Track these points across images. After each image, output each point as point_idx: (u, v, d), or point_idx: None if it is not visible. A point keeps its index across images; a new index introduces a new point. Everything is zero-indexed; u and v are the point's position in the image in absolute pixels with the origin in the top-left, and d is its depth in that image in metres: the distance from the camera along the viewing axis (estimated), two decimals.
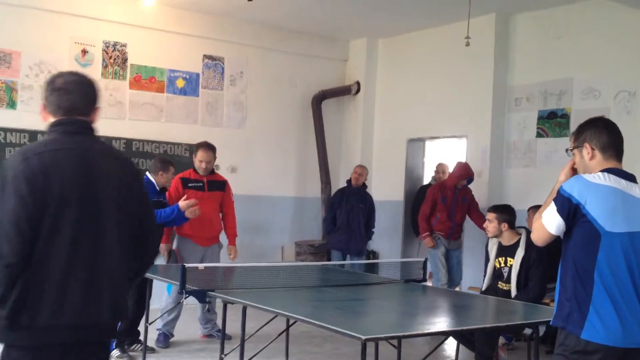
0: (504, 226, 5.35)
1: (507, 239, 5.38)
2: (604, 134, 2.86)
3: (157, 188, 5.85)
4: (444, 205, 7.44)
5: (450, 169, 8.68)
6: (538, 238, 2.90)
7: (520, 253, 5.27)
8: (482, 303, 4.67)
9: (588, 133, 2.88)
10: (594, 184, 2.76)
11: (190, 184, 6.22)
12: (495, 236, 5.43)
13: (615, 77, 6.88)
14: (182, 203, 5.63)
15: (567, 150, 3.01)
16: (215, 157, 6.36)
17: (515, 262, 5.26)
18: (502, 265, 5.40)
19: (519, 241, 5.33)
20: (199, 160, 6.25)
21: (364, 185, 8.15)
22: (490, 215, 5.44)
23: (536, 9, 7.58)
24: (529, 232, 5.36)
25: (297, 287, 4.74)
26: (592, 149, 2.86)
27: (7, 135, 7.21)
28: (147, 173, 5.92)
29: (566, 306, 2.78)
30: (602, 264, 2.72)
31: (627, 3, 6.58)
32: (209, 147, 6.30)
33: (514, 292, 5.26)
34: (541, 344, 5.00)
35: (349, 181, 8.14)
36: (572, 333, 2.74)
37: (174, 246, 6.29)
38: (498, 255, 5.43)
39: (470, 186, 7.92)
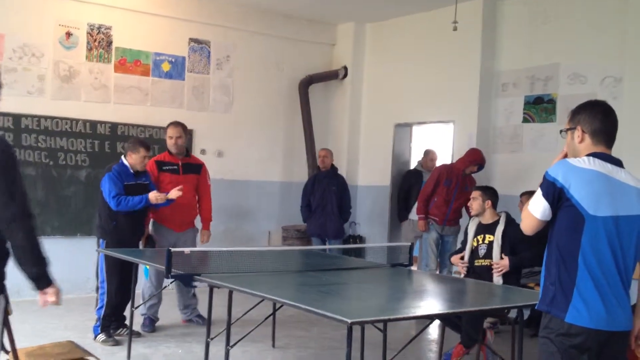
0: (488, 204, 5.50)
1: (488, 218, 5.51)
2: (598, 120, 2.83)
3: (131, 171, 5.75)
4: (445, 188, 7.25)
5: (438, 156, 8.70)
6: (526, 226, 2.88)
7: (500, 228, 5.39)
8: (468, 287, 4.69)
9: (582, 116, 2.86)
10: (578, 168, 2.75)
11: (164, 167, 6.17)
12: (477, 215, 5.53)
13: (602, 62, 6.90)
14: (152, 195, 5.61)
15: (561, 131, 3.00)
16: (186, 134, 6.31)
17: (496, 237, 5.38)
18: (480, 242, 5.48)
19: (498, 220, 5.44)
20: (169, 136, 6.22)
21: (334, 168, 8.17)
22: (475, 193, 5.59)
23: None
24: (508, 214, 5.47)
25: (283, 271, 4.74)
26: (583, 132, 2.84)
27: None
28: (122, 157, 5.84)
29: (550, 290, 2.79)
30: (586, 247, 2.73)
31: None
32: (177, 122, 6.28)
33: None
34: (526, 327, 5.05)
35: (318, 167, 8.17)
36: (556, 317, 2.75)
37: (150, 231, 6.24)
38: (477, 233, 5.52)
39: None
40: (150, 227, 6.24)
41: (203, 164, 6.51)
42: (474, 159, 7.22)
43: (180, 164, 6.22)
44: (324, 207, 7.93)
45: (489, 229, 5.47)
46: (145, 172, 5.89)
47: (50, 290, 3.05)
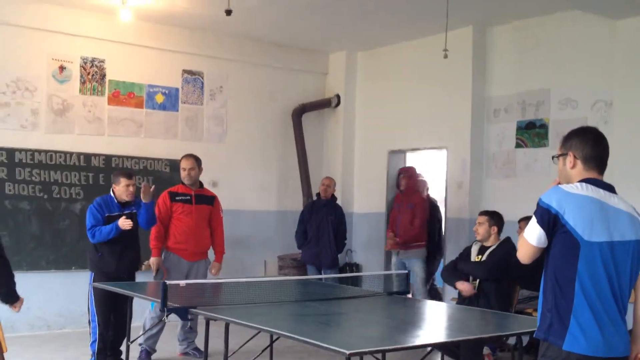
0: (494, 229, 5.52)
1: (491, 242, 5.55)
2: (589, 146, 2.86)
3: (116, 201, 5.72)
4: (397, 214, 7.67)
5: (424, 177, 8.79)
6: (523, 254, 2.86)
7: (492, 247, 5.50)
8: (465, 314, 4.67)
9: (574, 142, 2.89)
10: (572, 194, 2.76)
11: (177, 197, 6.24)
12: (483, 240, 5.54)
13: (592, 87, 6.97)
14: (120, 221, 5.53)
15: (553, 157, 3.02)
16: (199, 166, 6.35)
17: (486, 254, 5.44)
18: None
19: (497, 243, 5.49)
20: (182, 168, 6.31)
21: (333, 197, 8.17)
22: (482, 219, 5.58)
23: (513, 21, 7.66)
24: (507, 238, 5.50)
25: (280, 302, 4.71)
26: (575, 158, 2.87)
27: None
28: (112, 188, 5.80)
29: (547, 317, 2.79)
30: (583, 273, 2.72)
31: (602, 13, 6.67)
32: (190, 155, 6.39)
33: None
34: (525, 353, 5.02)
35: (318, 194, 8.17)
36: (554, 344, 2.74)
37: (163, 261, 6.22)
38: (478, 253, 5.55)
39: (452, 197, 7.97)
40: (162, 256, 6.22)
41: (216, 196, 6.55)
42: (398, 173, 7.79)
43: (193, 194, 6.26)
44: (320, 236, 7.89)
45: (487, 249, 5.52)
46: (135, 202, 5.82)
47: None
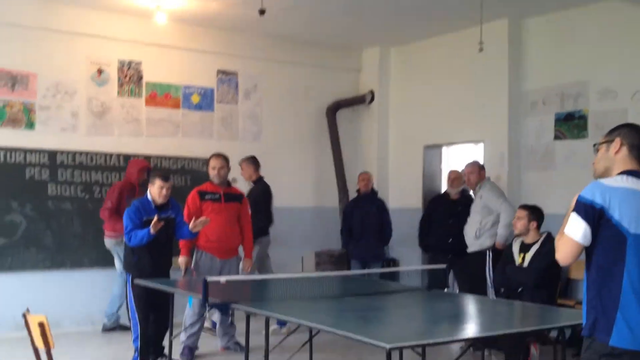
0: (533, 224, 5.42)
1: (531, 238, 5.43)
2: (638, 137, 2.86)
3: (153, 205, 5.71)
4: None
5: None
6: (565, 255, 2.78)
7: (535, 246, 5.34)
8: (507, 308, 4.64)
9: (624, 130, 2.90)
10: (613, 187, 2.73)
11: (207, 196, 6.26)
12: (521, 234, 5.46)
13: (632, 77, 6.83)
14: (151, 226, 5.48)
15: (594, 145, 2.99)
16: (227, 165, 6.37)
17: (529, 254, 5.33)
18: (521, 262, 5.42)
19: (538, 240, 5.38)
20: (211, 167, 6.32)
21: (373, 191, 8.16)
22: (521, 213, 5.49)
23: (548, 13, 7.56)
24: (549, 235, 5.40)
25: (319, 297, 4.74)
26: (622, 144, 2.85)
27: (26, 155, 7.28)
28: (148, 191, 5.82)
29: (592, 314, 2.76)
30: (631, 267, 2.68)
31: (638, 2, 6.54)
32: (219, 154, 6.41)
33: None
34: (568, 347, 4.96)
35: (358, 190, 8.17)
36: (600, 340, 2.71)
37: (192, 262, 6.28)
38: (519, 252, 5.47)
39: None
40: (194, 255, 6.28)
41: (244, 194, 6.61)
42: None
43: (222, 192, 6.31)
44: (365, 230, 7.90)
45: (529, 248, 5.43)
46: (172, 206, 5.85)
47: None
